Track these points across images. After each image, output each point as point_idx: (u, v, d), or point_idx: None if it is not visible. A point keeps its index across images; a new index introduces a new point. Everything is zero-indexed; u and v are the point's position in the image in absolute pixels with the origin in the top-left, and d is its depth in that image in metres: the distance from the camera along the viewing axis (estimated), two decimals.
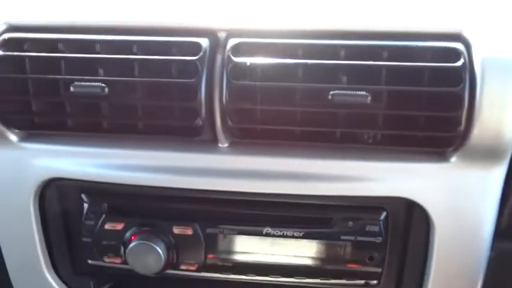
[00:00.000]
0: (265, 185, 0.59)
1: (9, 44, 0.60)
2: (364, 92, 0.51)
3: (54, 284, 0.71)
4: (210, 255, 0.64)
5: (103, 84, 0.56)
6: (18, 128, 0.63)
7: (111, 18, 0.61)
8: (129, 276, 0.72)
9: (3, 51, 0.59)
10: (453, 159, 0.56)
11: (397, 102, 0.52)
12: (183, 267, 0.65)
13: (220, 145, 0.60)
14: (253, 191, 0.60)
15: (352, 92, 0.51)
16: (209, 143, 0.60)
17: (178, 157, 0.60)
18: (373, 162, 0.57)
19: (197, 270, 0.65)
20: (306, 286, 0.66)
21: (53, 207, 0.68)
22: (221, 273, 0.66)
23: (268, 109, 0.55)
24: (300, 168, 0.58)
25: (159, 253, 0.62)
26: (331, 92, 0.52)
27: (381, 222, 0.61)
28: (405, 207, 0.62)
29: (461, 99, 0.50)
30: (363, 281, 0.64)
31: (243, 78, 0.55)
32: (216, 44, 0.56)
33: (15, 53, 0.60)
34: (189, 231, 0.64)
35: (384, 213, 0.62)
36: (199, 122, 0.56)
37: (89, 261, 0.68)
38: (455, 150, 0.55)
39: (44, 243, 0.69)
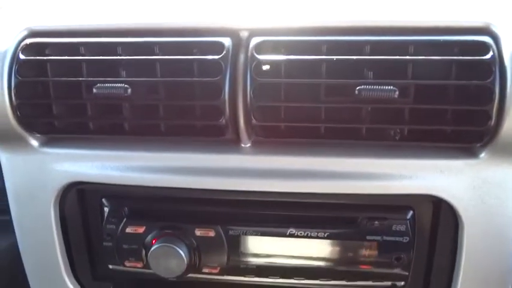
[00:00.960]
0: (288, 184, 0.58)
1: (30, 49, 0.60)
2: (391, 87, 0.50)
3: None
4: (233, 258, 0.63)
5: (126, 85, 0.56)
6: (40, 133, 0.63)
7: (132, 20, 0.61)
8: (150, 280, 0.72)
9: (25, 55, 0.59)
10: (482, 155, 0.55)
11: (425, 96, 0.51)
12: (205, 270, 0.64)
13: (242, 145, 0.60)
14: (276, 190, 0.59)
15: (380, 87, 0.50)
16: (231, 143, 0.60)
17: (200, 158, 0.60)
18: (400, 160, 0.56)
19: (220, 274, 0.64)
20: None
21: (73, 212, 0.68)
22: (244, 276, 0.65)
23: (292, 106, 0.54)
24: (324, 166, 0.58)
25: (181, 256, 0.61)
26: (358, 87, 0.51)
27: (408, 221, 0.60)
28: (433, 205, 0.61)
29: (492, 92, 0.49)
30: (389, 283, 0.63)
31: (267, 76, 0.54)
32: (239, 43, 0.56)
33: (37, 57, 0.60)
34: (212, 233, 0.63)
35: (411, 212, 0.61)
36: (223, 121, 0.55)
37: (110, 266, 0.67)
38: (485, 145, 0.54)
39: (64, 248, 0.68)
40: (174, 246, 0.61)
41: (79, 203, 0.67)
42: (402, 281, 0.62)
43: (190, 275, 0.65)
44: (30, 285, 0.73)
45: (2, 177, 0.67)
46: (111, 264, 0.67)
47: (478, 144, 0.54)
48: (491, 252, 0.59)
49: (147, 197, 0.66)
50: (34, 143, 0.64)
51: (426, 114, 0.53)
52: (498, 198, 0.56)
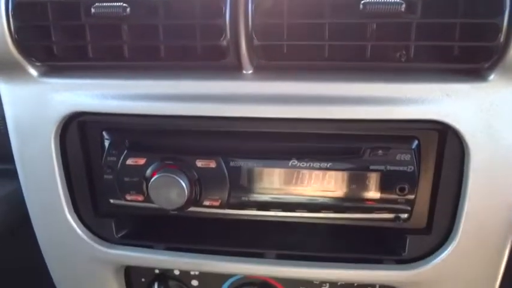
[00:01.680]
0: (291, 109, 0.57)
1: None
2: (398, 0, 0.48)
3: (75, 226, 0.70)
4: (234, 190, 0.62)
5: (125, 5, 0.54)
6: (38, 60, 0.62)
7: None
8: (150, 216, 0.71)
9: None
10: (491, 77, 0.53)
11: (433, 10, 0.50)
12: (206, 203, 0.64)
13: (244, 72, 0.58)
14: (278, 116, 0.57)
15: (386, 0, 0.49)
16: (233, 70, 0.58)
17: (201, 85, 0.59)
18: (405, 84, 0.55)
19: (221, 207, 0.64)
20: (333, 222, 0.64)
21: (74, 146, 0.67)
22: (245, 210, 0.64)
23: (295, 23, 0.53)
24: (327, 91, 0.56)
25: (182, 186, 0.60)
26: (363, 1, 0.49)
27: (413, 151, 0.59)
28: (438, 135, 0.59)
29: (503, 3, 0.47)
30: (392, 215, 0.62)
31: None
32: None
33: None
34: (213, 165, 0.62)
35: (416, 142, 0.60)
36: (224, 41, 0.54)
37: (111, 201, 0.67)
38: (493, 66, 0.52)
39: (65, 183, 0.68)
40: (175, 176, 0.61)
41: (80, 136, 0.67)
42: (406, 213, 0.61)
43: (191, 208, 0.65)
44: (33, 223, 0.72)
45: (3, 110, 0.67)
46: (113, 198, 0.66)
47: (486, 65, 0.52)
48: (498, 182, 0.57)
49: (148, 130, 0.65)
50: (33, 72, 0.63)
51: (434, 30, 0.51)
52: (506, 121, 0.54)
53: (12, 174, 0.73)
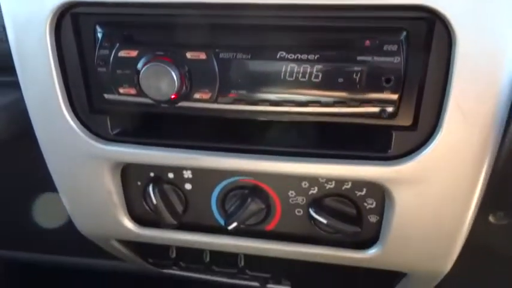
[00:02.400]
0: None
1: None
2: None
3: (72, 123, 0.72)
4: (224, 82, 0.64)
5: None
6: None
7: None
8: (144, 115, 0.74)
9: None
10: None
11: None
12: (196, 95, 0.65)
13: None
14: (267, 2, 0.58)
15: None
16: None
17: None
18: None
19: (211, 100, 0.65)
20: (321, 119, 0.65)
21: (69, 41, 0.68)
22: (235, 104, 0.65)
23: None
24: None
25: (171, 75, 0.62)
26: None
27: (400, 41, 0.59)
28: (426, 25, 0.59)
29: None
30: (378, 108, 0.63)
31: None
32: None
33: None
34: (203, 56, 0.63)
35: (404, 33, 0.60)
36: None
37: (105, 96, 0.69)
38: None
39: (61, 79, 0.70)
40: (165, 66, 0.62)
41: (74, 31, 0.68)
42: (391, 106, 0.62)
43: (182, 103, 0.66)
44: (31, 119, 0.75)
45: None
46: (107, 93, 0.68)
47: None
48: (483, 71, 0.57)
49: (140, 23, 0.67)
50: None
51: None
52: (494, 6, 0.54)
53: (16, 86, 0.75)
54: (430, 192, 0.66)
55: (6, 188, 1.04)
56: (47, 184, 0.82)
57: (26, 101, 0.74)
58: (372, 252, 0.76)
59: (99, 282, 1.56)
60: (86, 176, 0.77)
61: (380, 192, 0.72)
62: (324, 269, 0.97)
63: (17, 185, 1.02)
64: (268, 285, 1.10)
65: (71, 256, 1.31)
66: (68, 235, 0.96)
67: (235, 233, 0.80)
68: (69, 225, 0.89)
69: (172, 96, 0.64)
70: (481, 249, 0.82)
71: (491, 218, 0.81)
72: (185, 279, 1.12)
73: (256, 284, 1.09)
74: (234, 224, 0.77)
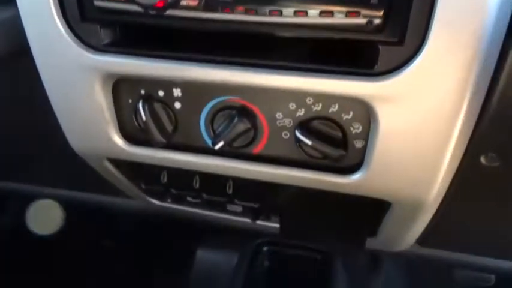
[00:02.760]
0: None
1: None
2: None
3: (63, 30, 0.73)
4: None
5: None
6: None
7: None
8: (134, 26, 0.74)
9: None
10: None
11: None
12: (184, 3, 0.65)
13: None
14: None
15: None
16: None
17: None
18: None
19: (199, 8, 0.65)
20: (309, 35, 0.65)
21: None
22: (221, 13, 0.65)
23: None
24: None
25: None
26: None
27: None
28: None
29: None
30: (365, 20, 0.62)
31: None
32: None
33: None
34: None
35: None
36: None
37: (95, 2, 0.70)
38: None
39: None
40: None
41: None
42: (378, 17, 0.61)
43: (170, 11, 0.66)
44: (24, 25, 0.76)
45: None
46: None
47: None
48: None
49: None
50: None
51: None
52: None
53: (12, 3, 0.76)
54: (413, 111, 0.66)
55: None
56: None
57: (20, 10, 0.75)
58: (355, 177, 0.77)
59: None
60: (77, 89, 0.79)
61: (366, 117, 0.72)
62: (312, 204, 0.99)
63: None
64: (258, 222, 1.12)
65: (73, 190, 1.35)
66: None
67: (224, 154, 0.82)
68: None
69: (160, 3, 0.64)
70: (473, 192, 0.82)
71: (482, 160, 0.80)
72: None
73: (247, 220, 1.12)
74: (221, 143, 0.78)
